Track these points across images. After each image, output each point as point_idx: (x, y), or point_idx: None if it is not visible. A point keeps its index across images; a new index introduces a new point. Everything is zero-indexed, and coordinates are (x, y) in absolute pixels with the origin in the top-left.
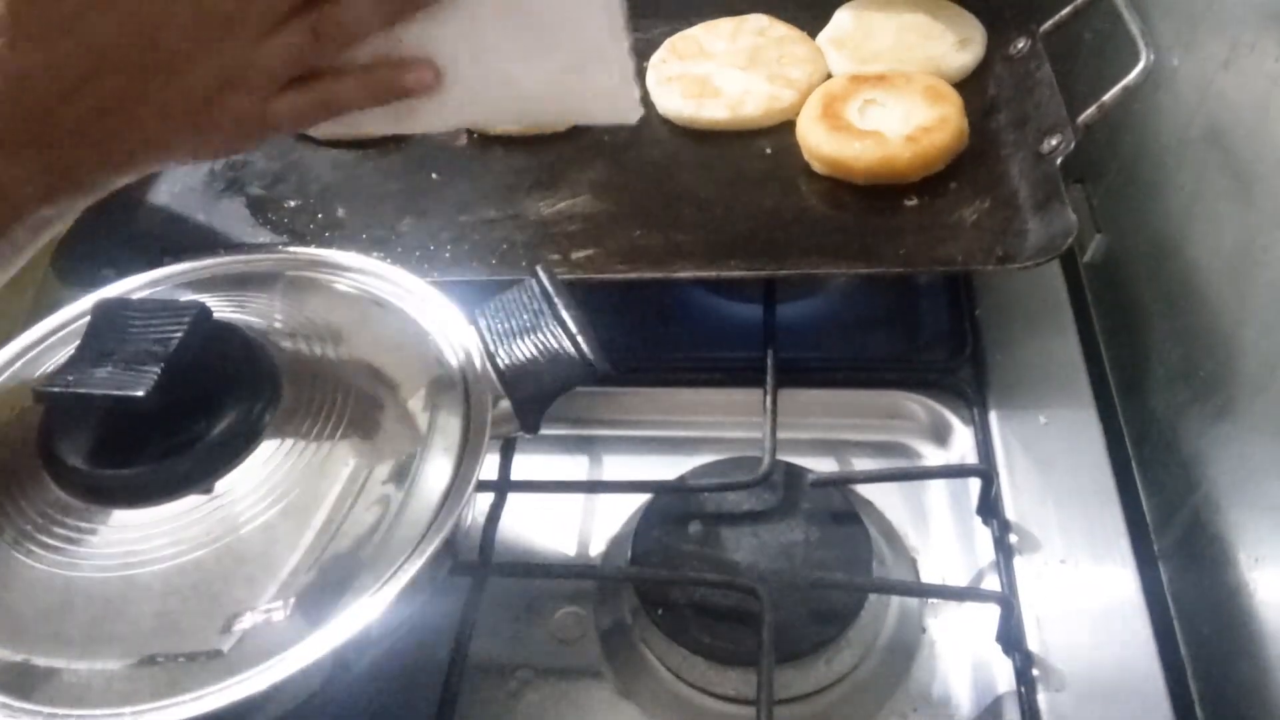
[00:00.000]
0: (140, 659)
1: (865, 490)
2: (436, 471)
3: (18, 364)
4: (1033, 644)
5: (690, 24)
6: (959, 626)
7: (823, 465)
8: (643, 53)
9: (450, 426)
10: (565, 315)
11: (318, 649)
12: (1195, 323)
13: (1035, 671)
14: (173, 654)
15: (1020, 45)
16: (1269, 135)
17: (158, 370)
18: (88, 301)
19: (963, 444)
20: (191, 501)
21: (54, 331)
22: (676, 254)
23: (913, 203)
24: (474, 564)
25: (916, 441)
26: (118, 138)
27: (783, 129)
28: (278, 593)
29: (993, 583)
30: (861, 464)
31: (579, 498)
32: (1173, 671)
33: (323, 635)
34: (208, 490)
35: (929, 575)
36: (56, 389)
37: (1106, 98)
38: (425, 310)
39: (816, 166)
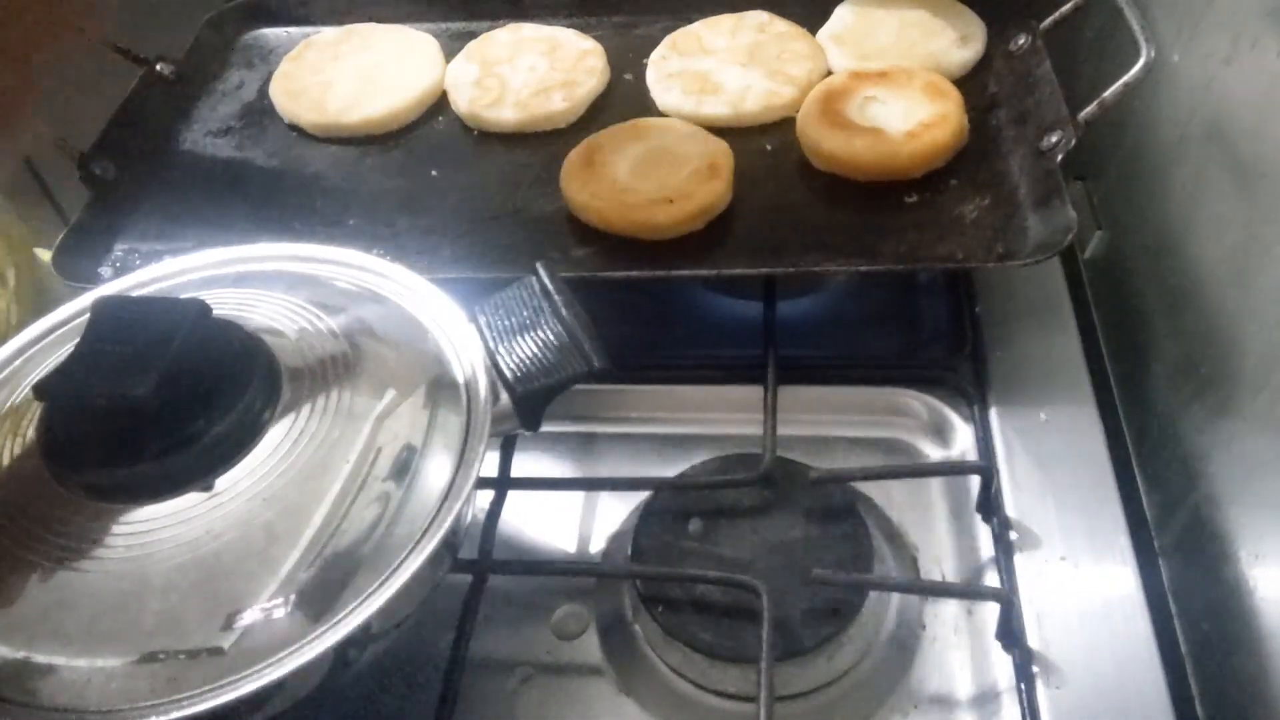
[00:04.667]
0: (141, 656)
1: (865, 487)
2: (437, 469)
3: (17, 362)
4: (1033, 641)
5: (691, 20)
6: (959, 623)
7: (823, 462)
8: (643, 49)
9: (450, 424)
10: (565, 313)
11: (318, 646)
12: (1196, 319)
13: (1035, 668)
14: (173, 651)
15: (1021, 42)
16: (1270, 132)
17: (158, 368)
18: (87, 299)
19: (963, 441)
20: (192, 499)
21: (53, 329)
22: (677, 251)
23: (913, 199)
24: (474, 561)
25: (917, 438)
26: None
27: (783, 125)
28: (278, 590)
29: (993, 580)
30: (862, 461)
31: (579, 495)
32: (1172, 668)
33: (323, 632)
34: (208, 488)
35: (929, 572)
36: (57, 387)
37: (1107, 94)
38: (425, 308)
39: (817, 163)
